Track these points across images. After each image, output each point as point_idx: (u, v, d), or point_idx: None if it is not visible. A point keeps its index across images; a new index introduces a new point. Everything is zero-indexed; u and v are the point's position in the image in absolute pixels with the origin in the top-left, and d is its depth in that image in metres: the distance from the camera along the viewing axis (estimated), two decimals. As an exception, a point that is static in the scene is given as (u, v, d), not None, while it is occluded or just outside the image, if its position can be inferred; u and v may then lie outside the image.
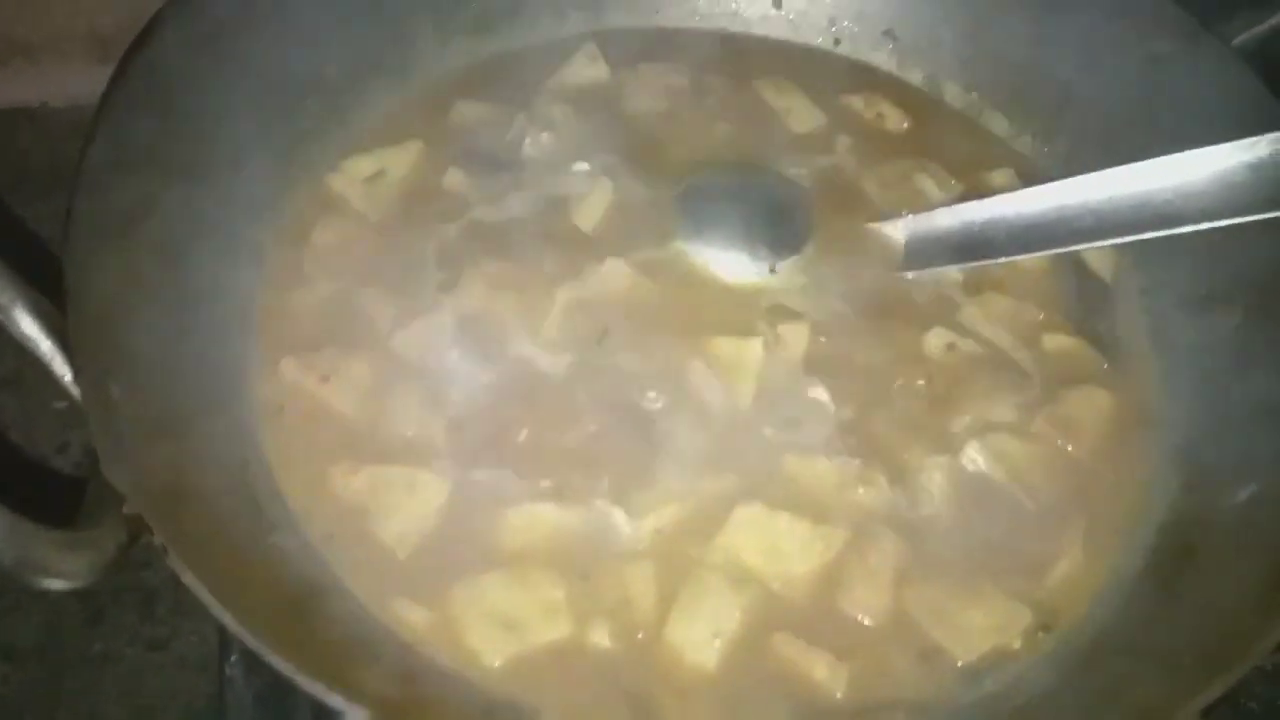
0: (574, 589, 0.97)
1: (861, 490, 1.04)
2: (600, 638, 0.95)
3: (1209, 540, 1.01)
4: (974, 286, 1.20)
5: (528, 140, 1.26)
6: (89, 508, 0.82)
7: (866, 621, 0.98)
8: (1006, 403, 1.12)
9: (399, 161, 1.23)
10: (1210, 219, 1.05)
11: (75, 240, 0.94)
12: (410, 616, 0.95)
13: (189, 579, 0.79)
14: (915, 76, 1.42)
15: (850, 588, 0.99)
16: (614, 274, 1.15)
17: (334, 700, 0.77)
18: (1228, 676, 0.83)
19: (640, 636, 0.96)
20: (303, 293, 1.13)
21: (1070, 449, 1.10)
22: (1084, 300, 1.21)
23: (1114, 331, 1.20)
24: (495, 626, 0.94)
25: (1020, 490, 1.06)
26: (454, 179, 1.22)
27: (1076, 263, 1.22)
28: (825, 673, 0.94)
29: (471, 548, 0.99)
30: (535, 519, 1.00)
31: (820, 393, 1.10)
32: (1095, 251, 1.22)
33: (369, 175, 1.21)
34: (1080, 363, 1.17)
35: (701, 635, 0.95)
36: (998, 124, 1.38)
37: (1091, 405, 1.12)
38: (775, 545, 1.00)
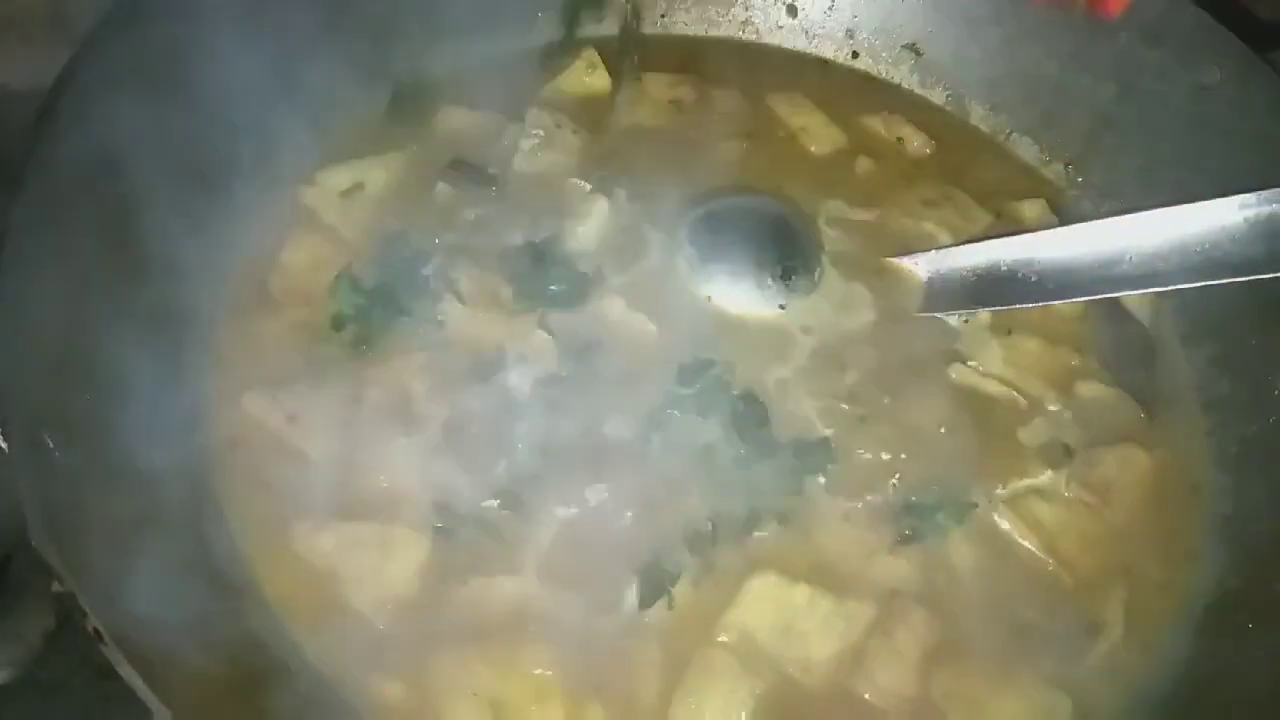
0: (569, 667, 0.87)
1: (888, 559, 0.95)
2: None
3: (1264, 623, 0.92)
4: (1003, 327, 1.11)
5: (519, 154, 1.15)
6: (12, 584, 0.71)
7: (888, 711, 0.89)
8: (1037, 461, 1.03)
9: (378, 175, 1.12)
10: (1257, 271, 0.96)
11: (10, 263, 0.82)
12: (386, 693, 0.85)
13: (126, 671, 0.68)
14: (938, 95, 1.32)
15: (872, 672, 0.90)
16: (611, 308, 1.06)
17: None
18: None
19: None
20: (269, 320, 1.02)
21: (1107, 515, 1.01)
22: (1122, 347, 1.12)
23: (1154, 383, 1.11)
24: (480, 708, 0.85)
25: (1054, 561, 0.98)
26: (440, 194, 1.12)
27: (1114, 306, 1.13)
28: None
29: (456, 615, 0.89)
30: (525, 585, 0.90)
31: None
32: (1137, 296, 1.13)
33: (345, 189, 1.11)
34: (1117, 415, 1.08)
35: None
36: (1027, 150, 1.29)
37: (1130, 466, 1.04)
38: (792, 623, 0.90)
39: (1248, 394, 1.07)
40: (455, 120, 1.18)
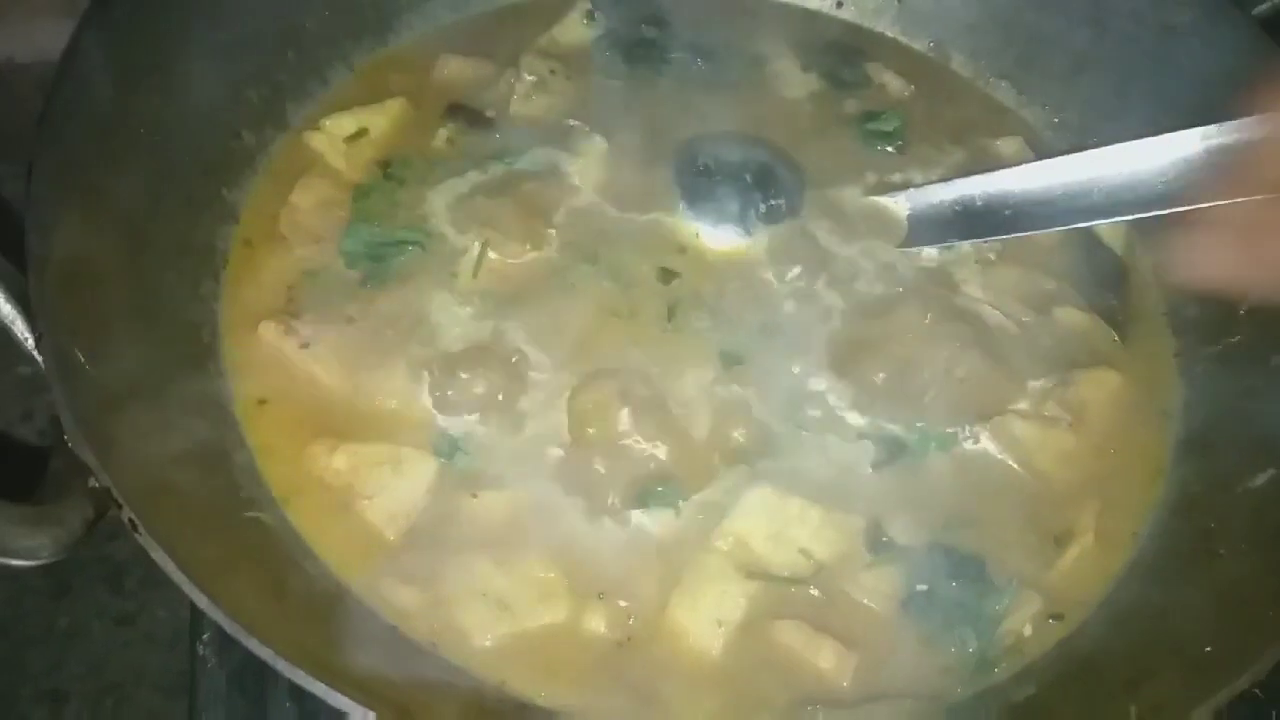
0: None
1: (871, 473, 1.00)
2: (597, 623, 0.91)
3: (1226, 526, 0.98)
4: (984, 257, 1.16)
5: (516, 98, 1.20)
6: (53, 480, 0.77)
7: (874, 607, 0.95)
8: (1017, 383, 1.08)
9: (380, 120, 1.17)
10: (1215, 198, 1.00)
11: (37, 199, 0.88)
12: (401, 597, 0.91)
13: (159, 556, 0.74)
14: (921, 43, 1.37)
15: (858, 575, 0.96)
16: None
17: (315, 686, 0.72)
18: (1255, 669, 0.80)
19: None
20: (280, 256, 1.07)
21: (1081, 433, 1.06)
22: (1095, 273, 1.17)
23: (1127, 307, 1.16)
24: (488, 607, 0.90)
25: (1031, 475, 1.03)
26: (440, 136, 1.17)
27: (1087, 234, 1.18)
28: (832, 660, 0.91)
29: (466, 524, 0.94)
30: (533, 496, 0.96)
31: (825, 370, 1.06)
32: (1108, 225, 1.18)
33: (350, 134, 1.16)
34: (1091, 338, 1.13)
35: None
36: (1005, 93, 1.34)
37: (1103, 387, 1.09)
38: (784, 531, 0.96)
39: (1213, 315, 1.12)
40: (452, 68, 1.23)
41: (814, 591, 0.95)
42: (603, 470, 0.97)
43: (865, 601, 0.95)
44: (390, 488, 0.95)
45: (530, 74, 1.22)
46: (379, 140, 1.17)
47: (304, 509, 0.94)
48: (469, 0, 1.30)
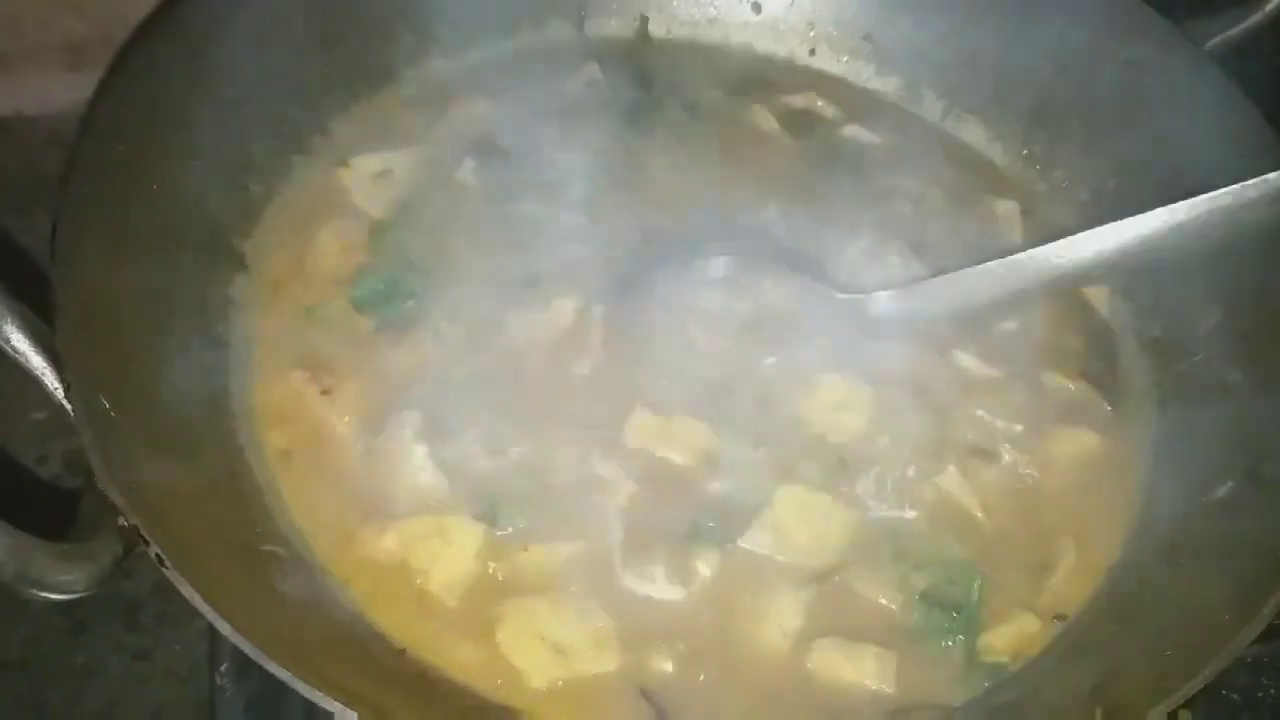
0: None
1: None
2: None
3: (1189, 537, 1.03)
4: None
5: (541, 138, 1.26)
6: (84, 519, 0.82)
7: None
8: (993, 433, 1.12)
9: (406, 160, 1.24)
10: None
11: (63, 253, 0.93)
12: (461, 656, 0.95)
13: (186, 590, 0.79)
14: (892, 83, 1.43)
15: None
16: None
17: (335, 708, 0.77)
18: (1207, 671, 0.85)
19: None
20: (294, 300, 1.13)
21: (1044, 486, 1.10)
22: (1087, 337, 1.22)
23: (1116, 373, 1.20)
24: (547, 651, 0.95)
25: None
26: (462, 176, 1.23)
27: (1076, 299, 1.23)
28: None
29: (519, 576, 0.99)
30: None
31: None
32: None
33: (378, 172, 1.22)
34: (1080, 407, 1.16)
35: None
36: (974, 130, 1.40)
37: (1077, 445, 1.13)
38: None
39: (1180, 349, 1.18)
40: (476, 109, 1.29)
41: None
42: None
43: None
44: (443, 558, 0.98)
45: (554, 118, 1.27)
46: (404, 179, 1.22)
47: (361, 589, 0.98)
48: (466, 51, 1.37)
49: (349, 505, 1.01)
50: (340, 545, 0.99)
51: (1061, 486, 1.10)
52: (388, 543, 0.99)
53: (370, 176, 1.21)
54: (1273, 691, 1.17)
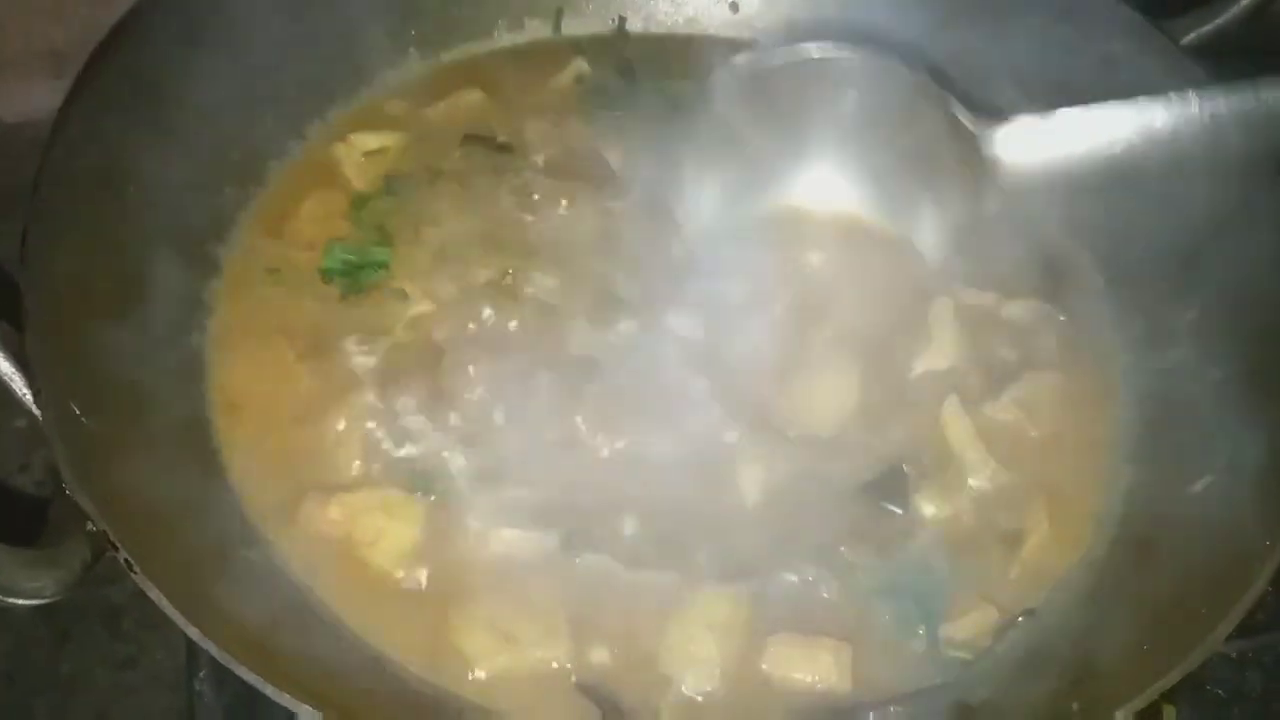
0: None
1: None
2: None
3: (1167, 531, 1.03)
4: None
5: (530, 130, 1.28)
6: (53, 525, 0.82)
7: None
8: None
9: (399, 140, 1.27)
10: None
11: (32, 260, 0.94)
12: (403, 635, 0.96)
13: (154, 594, 0.79)
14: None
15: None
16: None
17: (303, 710, 0.77)
18: (1184, 665, 0.84)
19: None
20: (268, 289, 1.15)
21: (1032, 431, 1.12)
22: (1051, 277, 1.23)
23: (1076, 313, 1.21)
24: (495, 638, 0.95)
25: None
26: (454, 160, 1.25)
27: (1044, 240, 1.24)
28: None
29: (467, 557, 1.00)
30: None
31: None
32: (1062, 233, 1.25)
33: (371, 149, 1.25)
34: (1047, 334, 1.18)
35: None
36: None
37: (1050, 388, 1.14)
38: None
39: (1156, 329, 1.18)
40: (469, 100, 1.32)
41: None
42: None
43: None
44: (388, 531, 1.00)
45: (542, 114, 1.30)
46: (394, 157, 1.25)
47: (307, 561, 0.99)
48: (442, 51, 1.37)
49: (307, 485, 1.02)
50: (290, 524, 1.00)
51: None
52: (332, 512, 0.99)
53: (363, 151, 1.25)
54: (1258, 686, 1.17)
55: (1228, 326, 1.12)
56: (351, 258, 1.15)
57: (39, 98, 1.50)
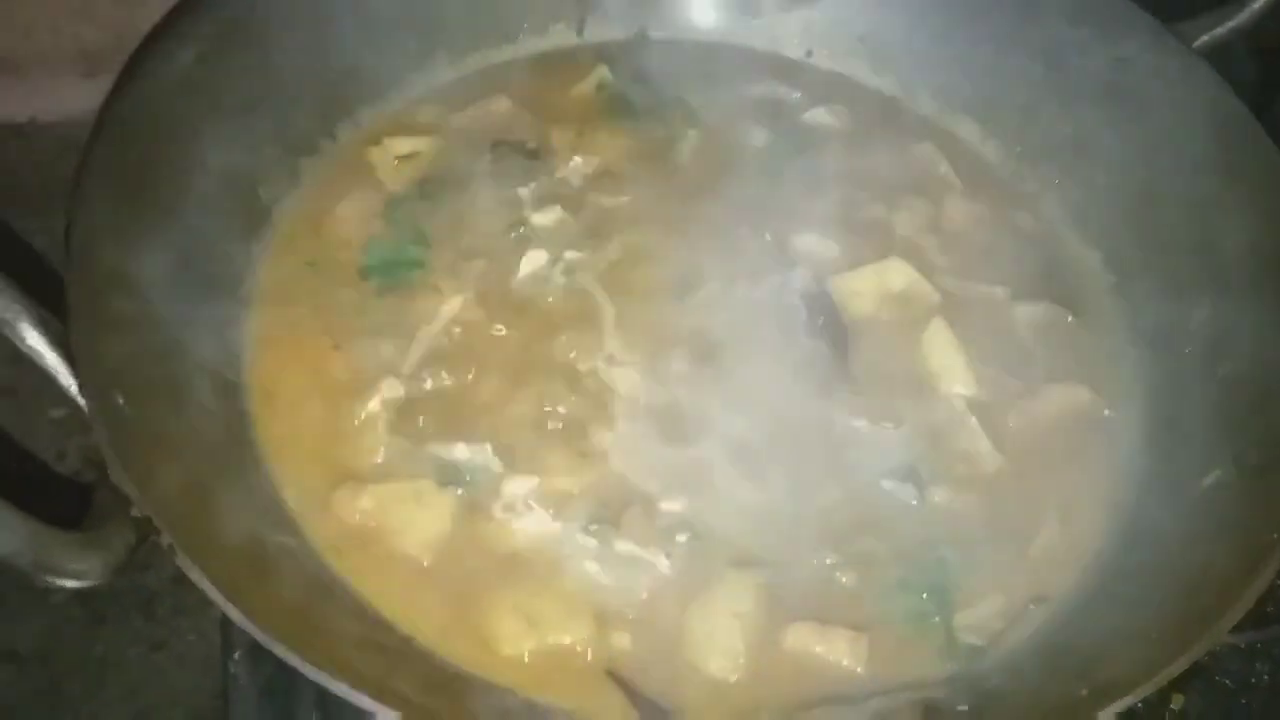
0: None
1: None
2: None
3: (1177, 523, 1.04)
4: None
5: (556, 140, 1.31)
6: (97, 510, 0.85)
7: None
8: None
9: (433, 145, 1.30)
10: None
11: (76, 252, 0.96)
12: (434, 617, 0.98)
13: (196, 575, 0.82)
14: (888, 82, 1.45)
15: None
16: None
17: (340, 688, 0.79)
18: (1189, 655, 0.86)
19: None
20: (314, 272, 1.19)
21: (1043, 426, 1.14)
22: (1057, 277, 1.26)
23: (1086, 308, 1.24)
24: (519, 621, 0.98)
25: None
26: (484, 163, 1.28)
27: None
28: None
29: (493, 543, 1.03)
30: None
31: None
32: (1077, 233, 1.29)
33: (404, 154, 1.29)
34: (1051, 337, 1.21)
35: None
36: (969, 127, 1.41)
37: (1060, 386, 1.17)
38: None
39: (1166, 322, 1.20)
40: (498, 107, 1.35)
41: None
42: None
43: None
44: (417, 521, 1.02)
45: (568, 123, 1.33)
46: (426, 162, 1.28)
47: (339, 547, 1.01)
48: (467, 56, 1.40)
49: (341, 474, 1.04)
50: (323, 511, 1.02)
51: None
52: (364, 503, 1.02)
53: (396, 155, 1.28)
54: (1266, 677, 1.18)
55: (1238, 322, 1.13)
56: (390, 255, 1.19)
57: (69, 98, 1.54)
